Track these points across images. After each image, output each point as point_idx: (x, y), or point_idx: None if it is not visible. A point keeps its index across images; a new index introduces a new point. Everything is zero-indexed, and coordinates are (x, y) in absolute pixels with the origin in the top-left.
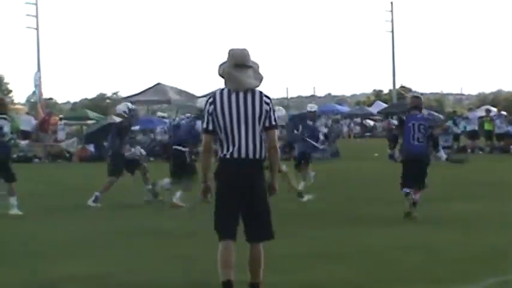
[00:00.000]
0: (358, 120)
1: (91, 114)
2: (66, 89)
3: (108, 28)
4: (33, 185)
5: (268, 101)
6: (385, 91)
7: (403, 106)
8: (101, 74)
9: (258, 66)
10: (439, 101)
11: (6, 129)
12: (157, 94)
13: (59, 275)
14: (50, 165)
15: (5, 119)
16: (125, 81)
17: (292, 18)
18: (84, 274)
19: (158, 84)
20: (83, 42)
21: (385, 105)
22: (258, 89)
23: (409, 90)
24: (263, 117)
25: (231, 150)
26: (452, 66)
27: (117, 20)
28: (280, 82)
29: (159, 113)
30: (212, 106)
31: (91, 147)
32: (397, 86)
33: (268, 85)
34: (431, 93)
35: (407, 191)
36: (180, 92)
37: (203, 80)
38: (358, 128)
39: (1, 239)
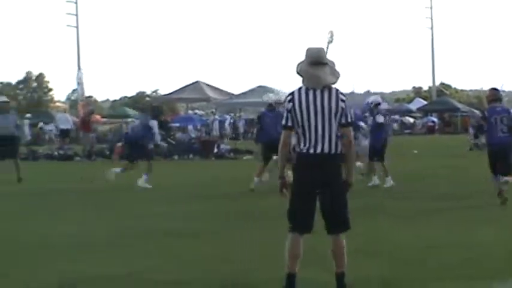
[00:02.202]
0: (397, 117)
1: (130, 112)
2: (106, 87)
3: (148, 26)
4: (73, 183)
5: (344, 98)
6: (425, 88)
7: (443, 103)
8: (141, 72)
9: (334, 64)
10: (479, 97)
11: None
12: (195, 92)
13: (76, 276)
14: (90, 163)
15: None
16: (164, 79)
17: (333, 15)
18: (109, 274)
19: (196, 82)
20: (122, 40)
21: (424, 102)
22: (334, 86)
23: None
24: (339, 114)
25: (307, 145)
26: (493, 62)
27: (157, 18)
28: None
29: (197, 111)
30: (291, 103)
31: None
32: (437, 83)
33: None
34: (470, 90)
35: (499, 178)
36: (218, 90)
37: (241, 79)
38: (397, 125)
39: (23, 238)
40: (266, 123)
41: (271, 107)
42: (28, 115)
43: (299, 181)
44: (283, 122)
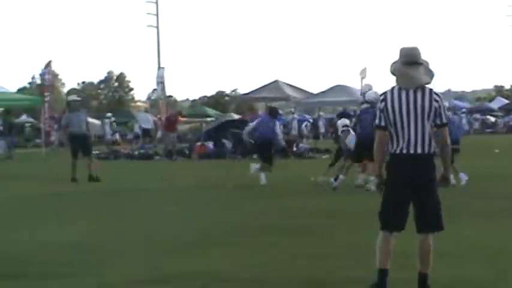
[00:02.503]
0: (478, 116)
1: (210, 111)
2: (186, 86)
3: (227, 26)
4: (150, 182)
5: (437, 98)
6: (507, 87)
7: None
8: (220, 72)
9: (428, 64)
10: None
11: None
12: (274, 91)
13: (177, 272)
14: (171, 162)
15: None
16: (243, 78)
17: (413, 13)
18: (201, 270)
19: (276, 81)
20: (202, 40)
21: (506, 101)
22: (428, 86)
23: None
24: (432, 114)
25: (401, 145)
26: None
27: (235, 18)
28: None
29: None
30: (383, 103)
31: (210, 145)
32: None
33: (385, 82)
34: None
35: None
36: (297, 89)
37: (319, 78)
38: (478, 124)
39: (126, 235)
40: (364, 121)
41: (372, 104)
42: (108, 114)
43: (392, 181)
44: (377, 121)
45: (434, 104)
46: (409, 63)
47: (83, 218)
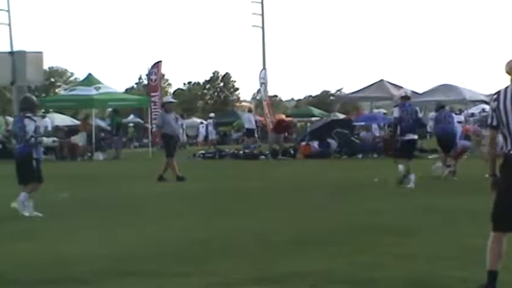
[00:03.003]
0: None
1: (315, 111)
2: (291, 86)
3: (332, 25)
4: (257, 181)
5: None
6: None
7: None
8: (325, 71)
9: None
10: None
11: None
12: (380, 91)
13: (286, 271)
14: (275, 162)
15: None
16: (348, 78)
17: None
18: (306, 271)
19: (381, 81)
20: (307, 40)
21: None
22: None
23: None
24: None
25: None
26: None
27: (341, 18)
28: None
29: (381, 110)
30: (496, 102)
31: (315, 144)
32: None
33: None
34: None
35: None
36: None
37: (424, 77)
38: None
39: (233, 234)
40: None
41: None
42: (212, 114)
43: (504, 181)
44: (489, 120)
45: None
46: None
47: (190, 216)
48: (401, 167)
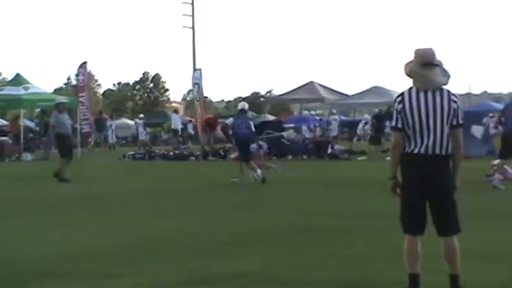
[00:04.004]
0: None
1: None
2: (221, 87)
3: (262, 27)
4: (187, 182)
5: (455, 99)
6: None
7: None
8: (255, 73)
9: (442, 64)
10: None
11: None
12: (309, 92)
13: (217, 272)
14: (205, 163)
15: None
16: (278, 79)
17: (446, 15)
18: (236, 272)
19: (311, 82)
20: (237, 41)
21: None
22: (445, 87)
23: None
24: (451, 115)
25: (418, 146)
26: None
27: (271, 19)
28: None
29: (317, 111)
30: (401, 105)
31: None
32: None
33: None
34: None
35: None
36: (332, 91)
37: (354, 80)
38: None
39: (166, 236)
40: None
41: None
42: (141, 115)
43: (409, 182)
44: (393, 123)
45: (453, 105)
46: (426, 65)
47: (121, 218)
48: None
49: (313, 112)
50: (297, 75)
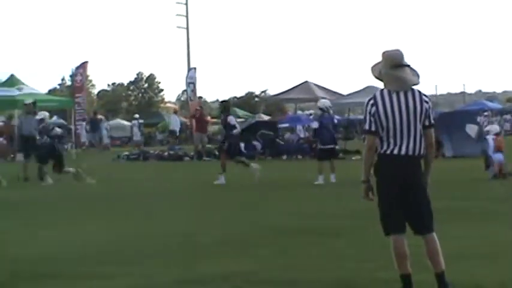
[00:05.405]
0: (509, 117)
1: (240, 112)
2: (215, 87)
3: (256, 27)
4: (181, 182)
5: (427, 99)
6: None
7: None
8: (250, 72)
9: (410, 64)
10: None
11: None
12: (304, 92)
13: (210, 272)
14: (199, 163)
15: None
16: (273, 79)
17: (441, 15)
18: (232, 272)
19: (305, 82)
20: (231, 41)
21: None
22: (416, 88)
23: None
24: (423, 115)
25: (391, 147)
26: None
27: (265, 19)
28: (429, 79)
29: (311, 111)
30: (374, 107)
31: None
32: None
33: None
34: None
35: None
36: (327, 91)
37: (349, 80)
38: (508, 125)
39: (159, 237)
40: None
41: None
42: (136, 116)
43: (384, 183)
44: (367, 126)
45: (425, 105)
46: (397, 66)
47: (113, 218)
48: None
49: (307, 112)
50: (291, 75)
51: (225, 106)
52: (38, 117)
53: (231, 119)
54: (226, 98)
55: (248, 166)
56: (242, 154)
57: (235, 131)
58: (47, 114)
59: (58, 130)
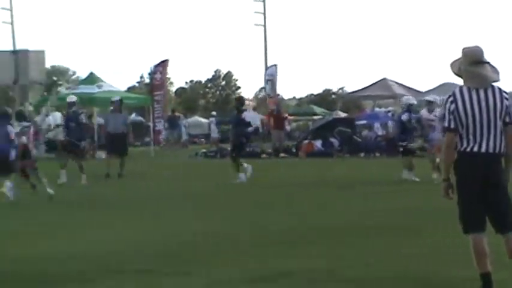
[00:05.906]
0: None
1: (317, 109)
2: (292, 85)
3: (334, 24)
4: (257, 180)
5: (507, 96)
6: None
7: None
8: (327, 70)
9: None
10: None
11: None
12: (382, 89)
13: (270, 271)
14: (277, 160)
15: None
16: (350, 76)
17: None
18: (292, 270)
19: (384, 79)
20: (309, 38)
21: None
22: (496, 84)
23: None
24: (503, 112)
25: (471, 145)
26: None
27: (343, 16)
28: (509, 76)
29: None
30: (454, 104)
31: (317, 143)
32: None
33: None
34: None
35: None
36: (405, 88)
37: (428, 77)
38: None
39: (230, 233)
40: None
41: None
42: (213, 113)
43: (464, 181)
44: (446, 124)
45: (506, 102)
46: (477, 63)
47: (192, 216)
48: None
49: (384, 109)
50: (369, 71)
51: (240, 103)
52: (68, 100)
53: (246, 116)
54: (303, 95)
55: (241, 166)
56: (242, 155)
57: (250, 129)
58: (74, 98)
59: (83, 117)
